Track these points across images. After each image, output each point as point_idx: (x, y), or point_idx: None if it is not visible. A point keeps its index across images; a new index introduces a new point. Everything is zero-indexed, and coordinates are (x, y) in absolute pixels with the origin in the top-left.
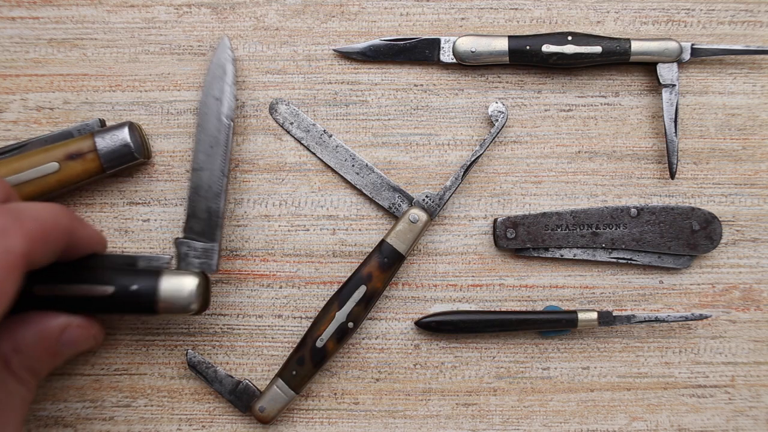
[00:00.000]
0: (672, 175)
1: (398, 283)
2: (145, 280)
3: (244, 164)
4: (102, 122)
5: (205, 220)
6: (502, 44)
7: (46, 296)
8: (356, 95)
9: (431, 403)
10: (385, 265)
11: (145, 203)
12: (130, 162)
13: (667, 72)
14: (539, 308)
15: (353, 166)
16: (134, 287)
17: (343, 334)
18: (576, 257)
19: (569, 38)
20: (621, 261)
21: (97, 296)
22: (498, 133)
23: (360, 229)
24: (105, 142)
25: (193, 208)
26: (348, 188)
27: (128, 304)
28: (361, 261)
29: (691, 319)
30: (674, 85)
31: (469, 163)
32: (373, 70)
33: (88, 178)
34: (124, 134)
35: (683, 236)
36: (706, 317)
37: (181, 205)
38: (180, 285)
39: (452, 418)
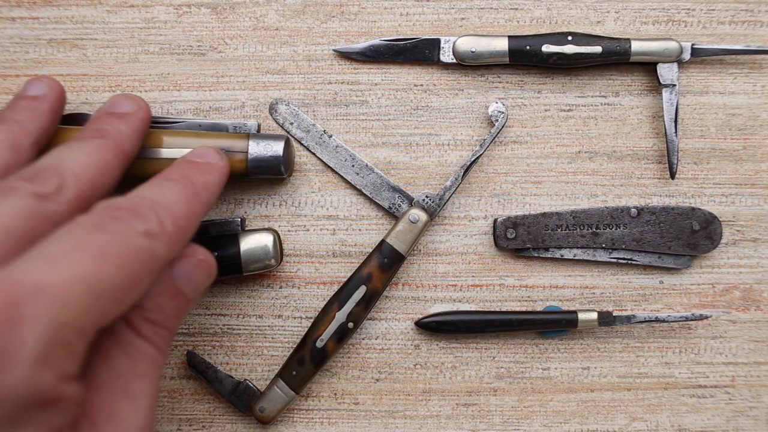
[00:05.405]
0: (672, 175)
1: (398, 283)
2: (226, 244)
3: None
4: (259, 127)
5: None
6: (502, 44)
7: None
8: (356, 95)
9: (431, 404)
10: (385, 265)
11: None
12: (274, 175)
13: (667, 72)
14: (539, 308)
15: (353, 166)
16: (216, 253)
17: (343, 335)
18: (576, 257)
19: (569, 38)
20: (621, 261)
21: None
22: (498, 133)
23: (360, 229)
24: (258, 149)
25: None
26: (348, 188)
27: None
28: (361, 261)
29: (692, 320)
30: (674, 85)
31: (469, 163)
32: (373, 70)
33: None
34: (279, 147)
35: (683, 236)
36: (707, 317)
37: None
38: (259, 242)
39: (452, 418)
